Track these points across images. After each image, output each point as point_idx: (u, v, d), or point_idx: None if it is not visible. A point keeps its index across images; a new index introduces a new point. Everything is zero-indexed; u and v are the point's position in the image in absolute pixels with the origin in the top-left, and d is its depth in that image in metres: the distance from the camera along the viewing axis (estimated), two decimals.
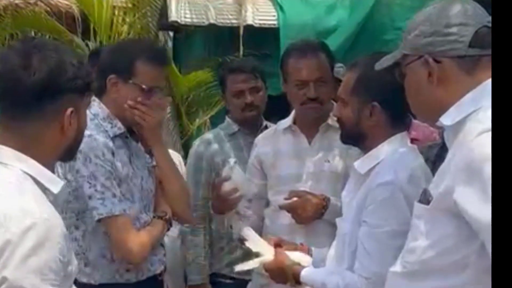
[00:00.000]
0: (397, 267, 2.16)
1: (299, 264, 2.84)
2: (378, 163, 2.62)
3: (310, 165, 3.41)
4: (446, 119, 2.08)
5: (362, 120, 2.69)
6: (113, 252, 2.99)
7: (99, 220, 2.92)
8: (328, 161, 3.39)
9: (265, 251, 2.98)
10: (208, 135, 4.25)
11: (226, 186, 3.27)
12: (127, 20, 7.41)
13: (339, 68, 4.65)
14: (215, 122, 6.27)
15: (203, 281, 4.12)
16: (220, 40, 7.28)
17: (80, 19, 7.67)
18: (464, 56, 2.07)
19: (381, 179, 2.53)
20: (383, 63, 2.33)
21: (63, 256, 1.93)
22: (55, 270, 1.90)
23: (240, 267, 3.04)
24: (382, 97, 2.64)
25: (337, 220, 2.80)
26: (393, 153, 2.61)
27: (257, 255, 2.98)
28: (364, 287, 2.52)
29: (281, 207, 3.21)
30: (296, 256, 2.90)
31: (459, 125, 2.04)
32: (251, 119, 4.02)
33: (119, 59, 3.04)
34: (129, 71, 3.00)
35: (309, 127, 3.43)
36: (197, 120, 7.18)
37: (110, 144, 2.97)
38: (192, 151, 4.19)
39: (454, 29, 2.07)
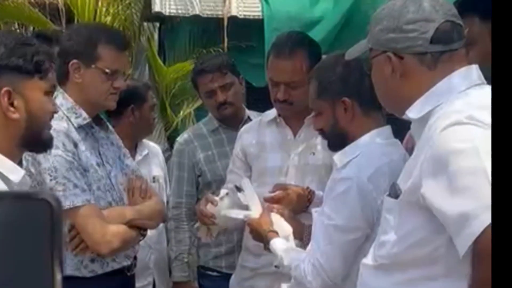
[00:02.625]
0: (369, 260, 2.18)
1: (276, 232, 2.89)
2: (355, 157, 2.63)
3: (295, 157, 3.38)
4: (411, 113, 2.10)
5: (339, 119, 2.72)
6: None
7: None
8: (313, 154, 3.36)
9: (254, 208, 3.05)
10: (190, 131, 4.23)
11: (209, 208, 3.24)
12: (111, 11, 7.36)
13: None
14: (199, 114, 6.25)
15: (187, 278, 4.12)
16: (205, 31, 7.25)
17: (64, 10, 7.62)
18: (425, 52, 2.08)
19: (344, 174, 2.60)
20: (351, 54, 2.37)
21: None
22: None
23: (225, 212, 3.13)
24: (347, 91, 2.67)
25: (312, 210, 2.86)
26: (369, 147, 2.63)
27: (246, 208, 3.06)
28: (308, 271, 2.60)
29: (266, 200, 3.18)
30: (278, 224, 2.95)
31: (425, 118, 2.06)
32: (228, 116, 4.01)
33: (81, 43, 3.02)
34: (91, 55, 2.99)
35: (294, 119, 3.39)
36: (182, 112, 7.15)
37: (73, 134, 2.96)
38: (175, 148, 4.19)
39: (414, 26, 2.08)
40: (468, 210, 1.82)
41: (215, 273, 4.01)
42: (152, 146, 4.52)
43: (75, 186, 2.89)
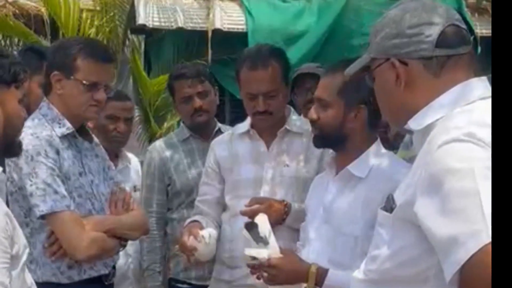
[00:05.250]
0: (359, 274, 2.12)
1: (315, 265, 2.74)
2: (372, 168, 2.70)
3: (268, 170, 3.38)
4: (414, 123, 2.03)
5: (346, 122, 2.72)
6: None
7: (42, 217, 2.91)
8: (287, 166, 3.37)
9: (272, 245, 2.86)
10: (161, 141, 4.23)
11: (191, 241, 3.24)
12: (95, 23, 7.38)
13: (319, 68, 4.65)
14: None
15: None
16: (190, 44, 7.28)
17: (48, 22, 7.63)
18: (430, 57, 2.00)
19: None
20: (351, 69, 2.26)
21: (6, 234, 2.00)
22: (1, 248, 1.98)
23: (248, 252, 2.86)
24: (368, 100, 2.66)
25: (322, 223, 2.83)
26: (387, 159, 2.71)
27: (264, 242, 2.86)
28: None
29: (243, 214, 3.18)
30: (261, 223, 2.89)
31: (427, 129, 1.98)
32: (201, 124, 4.01)
33: (61, 56, 3.06)
34: (71, 67, 3.03)
35: (268, 131, 3.40)
36: (165, 123, 7.16)
37: (55, 142, 2.97)
38: (146, 157, 4.19)
39: (418, 29, 2.00)
40: (456, 235, 1.74)
41: (185, 286, 4.00)
42: (131, 158, 4.52)
43: (55, 192, 2.90)
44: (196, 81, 3.98)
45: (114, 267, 3.23)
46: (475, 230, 1.71)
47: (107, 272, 3.13)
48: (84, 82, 3.01)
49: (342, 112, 2.73)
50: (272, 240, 2.88)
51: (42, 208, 2.88)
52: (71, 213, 2.93)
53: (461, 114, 1.93)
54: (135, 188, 4.27)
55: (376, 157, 2.73)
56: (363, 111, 2.71)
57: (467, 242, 1.71)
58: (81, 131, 3.14)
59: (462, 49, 2.01)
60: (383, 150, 2.81)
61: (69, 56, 3.03)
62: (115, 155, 4.30)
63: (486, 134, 1.82)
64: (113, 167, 3.36)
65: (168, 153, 4.03)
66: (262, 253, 2.83)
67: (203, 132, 4.00)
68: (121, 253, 4.04)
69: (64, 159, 2.97)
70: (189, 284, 3.96)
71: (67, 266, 2.98)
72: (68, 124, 3.03)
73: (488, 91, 1.98)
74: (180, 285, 4.02)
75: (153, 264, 4.05)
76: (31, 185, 2.88)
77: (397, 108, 2.10)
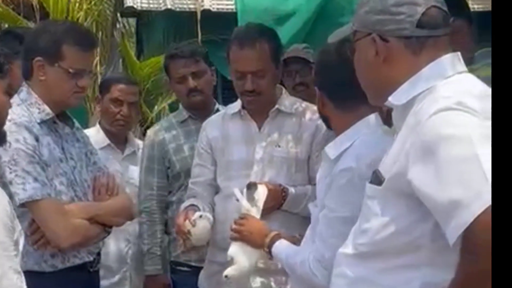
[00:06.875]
0: (348, 249, 2.14)
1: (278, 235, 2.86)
2: (347, 149, 2.59)
3: (260, 150, 3.35)
4: (395, 99, 2.06)
5: (320, 108, 2.73)
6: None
7: (22, 205, 2.87)
8: (279, 146, 3.34)
9: (257, 210, 3.03)
10: (160, 123, 4.21)
11: (186, 225, 3.21)
12: (84, 6, 7.32)
13: (307, 50, 4.64)
14: (173, 109, 6.22)
15: (159, 272, 4.08)
16: (179, 25, 7.23)
17: (38, 7, 7.57)
18: (410, 36, 2.04)
19: (342, 165, 2.53)
20: (334, 38, 2.32)
21: (11, 221, 2.05)
22: (5, 234, 2.02)
23: (239, 196, 3.05)
24: (318, 83, 2.67)
25: (309, 205, 2.80)
26: (361, 137, 2.58)
27: (253, 204, 3.03)
28: (313, 268, 2.55)
29: (239, 201, 3.17)
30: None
31: (409, 105, 2.01)
32: (197, 104, 3.98)
33: (46, 41, 3.00)
34: (55, 55, 2.97)
35: (259, 112, 3.38)
36: (156, 107, 7.13)
37: (34, 129, 2.93)
38: (145, 140, 4.17)
39: (402, 9, 2.04)
40: (459, 199, 1.77)
41: (185, 268, 3.98)
42: (140, 144, 4.48)
43: (35, 179, 2.87)
44: (190, 61, 3.95)
45: (99, 254, 3.20)
46: (478, 192, 1.75)
47: (91, 259, 3.10)
48: (70, 70, 2.97)
49: (317, 99, 2.70)
50: (259, 205, 3.01)
51: (22, 196, 2.84)
52: (52, 201, 2.90)
53: (446, 85, 1.97)
54: None
55: (353, 137, 2.62)
56: (319, 94, 2.67)
57: (471, 204, 1.75)
58: (61, 115, 3.09)
59: (441, 30, 2.06)
60: (369, 132, 2.65)
61: (54, 43, 2.97)
62: (124, 140, 4.29)
63: (475, 103, 1.87)
64: (97, 152, 3.31)
65: (167, 135, 4.01)
66: (247, 206, 3.00)
67: (201, 113, 3.95)
68: (121, 237, 4.05)
69: (44, 145, 2.93)
70: (189, 266, 3.94)
71: (50, 254, 2.96)
72: (48, 110, 2.99)
73: (464, 67, 2.04)
74: (181, 267, 4.01)
75: (154, 248, 4.04)
76: (10, 172, 2.84)
77: (375, 83, 2.13)
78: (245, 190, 3.05)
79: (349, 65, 2.31)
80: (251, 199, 3.04)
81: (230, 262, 2.96)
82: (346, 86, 2.49)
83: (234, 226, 2.99)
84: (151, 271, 4.08)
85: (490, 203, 1.72)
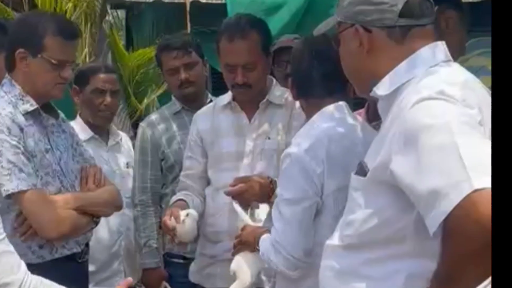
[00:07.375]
0: (335, 240, 2.15)
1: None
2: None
3: (250, 142, 3.34)
4: (380, 89, 2.07)
5: (294, 96, 2.90)
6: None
7: (8, 197, 2.85)
8: (269, 138, 3.33)
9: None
10: (153, 115, 4.18)
11: (172, 222, 3.19)
12: None
13: (296, 40, 4.60)
14: (163, 101, 6.20)
15: (156, 265, 4.06)
16: (169, 17, 7.21)
17: None
18: (394, 26, 2.04)
19: (286, 151, 2.70)
20: (319, 30, 2.33)
21: None
22: None
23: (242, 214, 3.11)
24: (291, 74, 2.83)
25: None
26: (306, 127, 2.75)
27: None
28: (270, 251, 2.67)
29: (228, 194, 3.14)
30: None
31: (393, 95, 2.02)
32: (189, 96, 3.97)
33: (28, 33, 2.98)
34: (38, 46, 2.95)
35: (249, 104, 3.36)
36: (146, 99, 7.11)
37: (19, 120, 2.91)
38: (138, 132, 4.13)
39: None
40: (438, 188, 1.77)
41: (180, 260, 3.97)
42: (122, 135, 4.45)
43: (21, 170, 2.85)
44: (181, 52, 3.93)
45: (87, 245, 3.19)
46: (457, 182, 1.74)
47: (80, 250, 3.10)
48: (53, 61, 2.95)
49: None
50: (260, 218, 3.08)
51: (8, 187, 2.83)
52: (38, 192, 2.89)
53: (429, 75, 1.98)
54: (127, 165, 4.23)
55: (311, 128, 2.73)
56: (290, 86, 2.85)
57: (449, 193, 1.75)
58: (46, 107, 3.07)
59: (425, 19, 2.06)
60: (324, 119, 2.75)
61: (36, 34, 2.95)
62: (106, 132, 4.25)
63: (457, 91, 1.88)
64: (83, 143, 3.30)
65: (160, 127, 4.00)
66: (246, 220, 3.06)
67: (194, 105, 3.93)
68: (113, 230, 4.02)
69: (29, 136, 2.92)
70: (184, 258, 3.94)
71: (38, 245, 2.95)
72: (32, 101, 2.98)
73: (449, 56, 2.05)
74: (175, 259, 4.01)
75: (151, 241, 4.03)
76: None
77: (360, 73, 2.15)
78: (237, 205, 3.11)
79: (314, 62, 2.52)
80: (252, 214, 3.11)
81: (232, 277, 2.97)
82: (310, 81, 2.68)
83: (234, 241, 3.03)
84: (149, 265, 4.06)
85: (471, 191, 1.71)
